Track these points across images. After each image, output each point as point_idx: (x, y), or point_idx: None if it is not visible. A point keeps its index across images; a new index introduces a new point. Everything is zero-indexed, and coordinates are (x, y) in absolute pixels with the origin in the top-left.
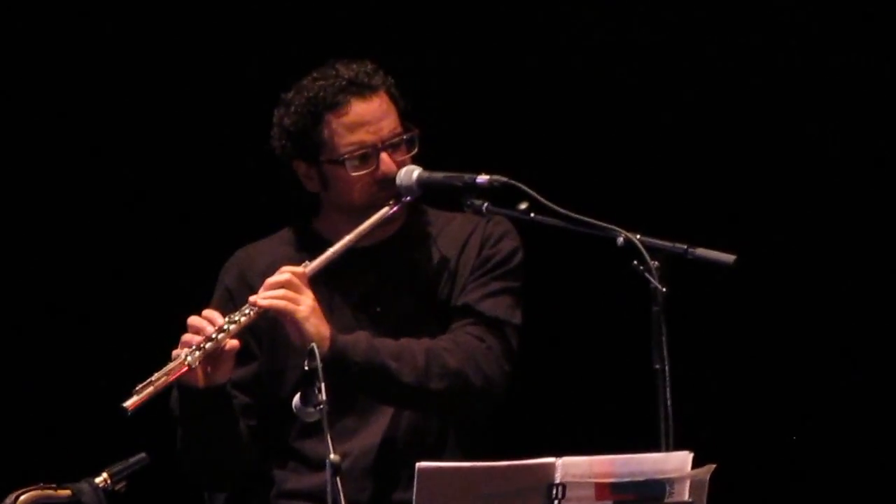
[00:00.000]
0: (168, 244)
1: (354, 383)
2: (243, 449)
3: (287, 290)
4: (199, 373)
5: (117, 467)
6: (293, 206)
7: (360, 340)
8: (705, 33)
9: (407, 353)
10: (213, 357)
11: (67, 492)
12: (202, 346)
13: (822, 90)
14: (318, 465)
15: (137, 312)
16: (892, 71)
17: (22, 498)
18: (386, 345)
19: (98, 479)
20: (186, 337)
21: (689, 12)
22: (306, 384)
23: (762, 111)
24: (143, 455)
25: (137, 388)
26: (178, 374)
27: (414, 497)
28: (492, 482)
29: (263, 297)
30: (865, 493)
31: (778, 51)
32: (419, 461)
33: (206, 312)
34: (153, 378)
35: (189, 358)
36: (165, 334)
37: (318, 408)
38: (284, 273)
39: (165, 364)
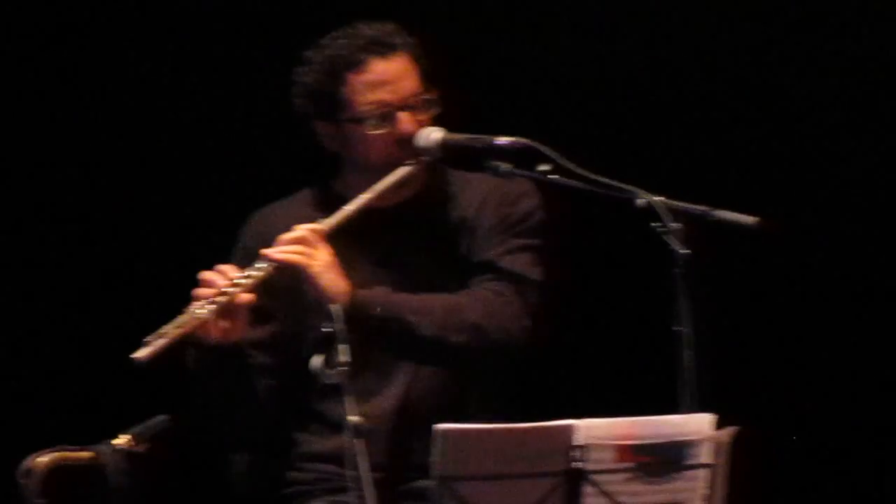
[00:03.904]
0: (189, 206)
1: (373, 337)
2: (261, 408)
3: (301, 246)
4: (213, 328)
5: (139, 429)
6: (312, 168)
7: (379, 295)
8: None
9: (426, 306)
10: (227, 311)
11: (88, 454)
12: (214, 299)
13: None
14: (339, 426)
15: (160, 273)
16: None
17: (41, 459)
18: (405, 298)
19: (119, 441)
20: (198, 291)
21: None
22: (326, 346)
23: (784, 74)
24: (164, 417)
25: (147, 339)
26: (191, 326)
27: (432, 458)
28: (511, 444)
29: (277, 252)
30: (887, 454)
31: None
32: (440, 423)
33: (219, 267)
34: (163, 330)
35: (201, 311)
36: (185, 294)
37: (337, 369)
38: (298, 229)
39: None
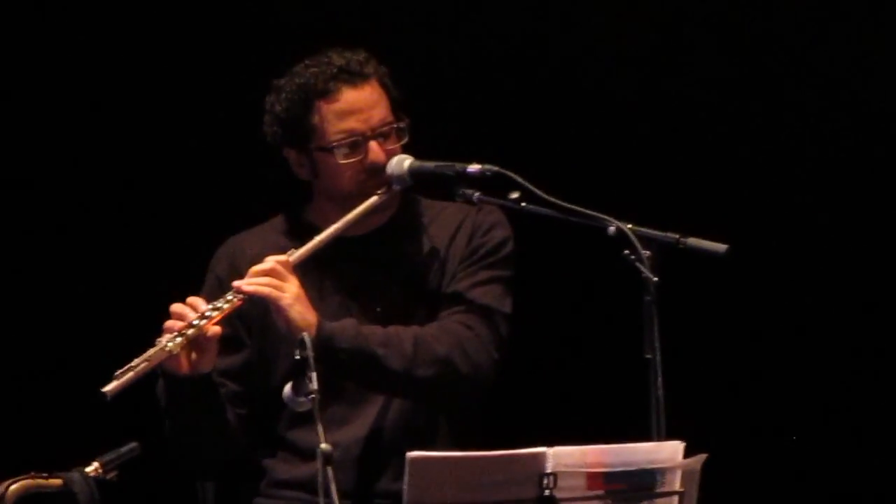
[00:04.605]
0: (160, 233)
1: (341, 370)
2: (231, 437)
3: (271, 278)
4: (183, 360)
5: (108, 456)
6: (285, 194)
7: (347, 327)
8: (695, 30)
9: (394, 339)
10: (196, 343)
11: (58, 481)
12: (184, 332)
13: (812, 84)
14: (308, 454)
15: (129, 301)
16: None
17: (12, 487)
18: (373, 332)
19: (89, 469)
20: (169, 323)
21: (680, 8)
22: (297, 374)
23: (752, 102)
24: (134, 444)
25: (117, 374)
26: (159, 359)
27: (405, 486)
28: (483, 472)
29: (247, 284)
30: (858, 484)
31: (770, 42)
32: (410, 451)
33: (190, 299)
34: (133, 363)
35: (170, 344)
36: (157, 323)
37: (308, 397)
38: (268, 261)
39: (148, 350)
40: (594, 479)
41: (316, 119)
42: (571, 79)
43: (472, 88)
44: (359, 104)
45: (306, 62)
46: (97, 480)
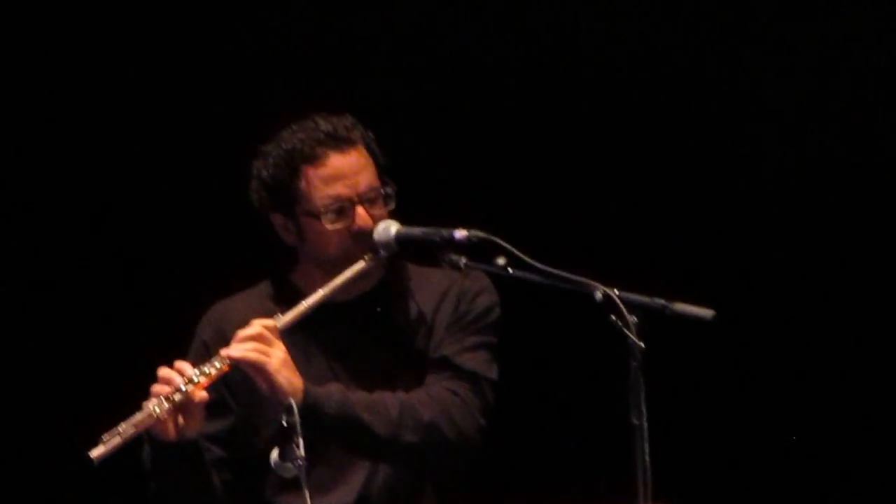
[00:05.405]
0: (146, 297)
1: (327, 435)
2: (217, 502)
3: (257, 343)
4: (170, 425)
5: None
6: (271, 259)
7: (333, 393)
8: (683, 84)
9: (380, 405)
10: (182, 409)
11: None
12: (171, 397)
13: (797, 148)
14: None
15: (116, 364)
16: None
17: None
18: (359, 397)
19: None
20: (156, 387)
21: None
22: (284, 439)
23: (739, 166)
24: None
25: (104, 438)
26: (146, 424)
27: None
28: None
29: (234, 350)
30: None
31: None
32: None
33: (177, 363)
34: (120, 428)
35: (157, 409)
36: (144, 386)
37: (295, 463)
38: (255, 326)
39: (135, 415)
40: None
41: (303, 184)
42: (558, 146)
43: (458, 154)
44: (345, 169)
45: (293, 127)
46: None
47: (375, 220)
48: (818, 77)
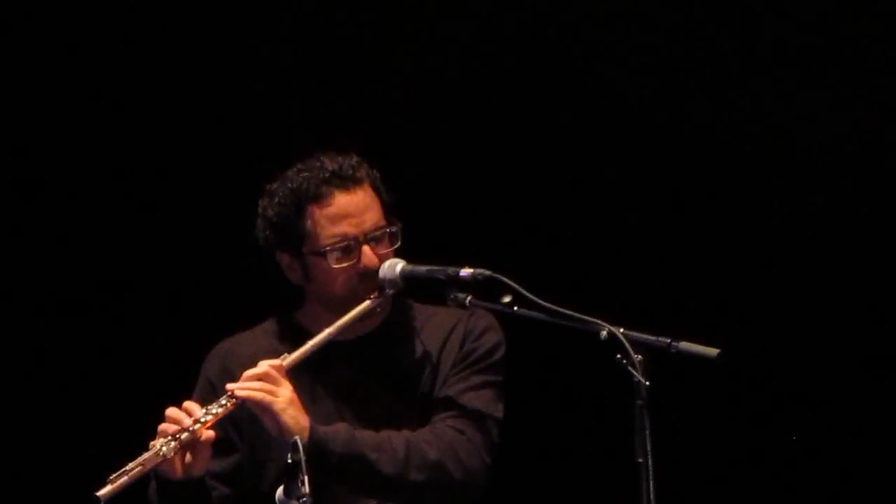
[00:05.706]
0: (153, 334)
1: (334, 474)
2: None
3: (264, 382)
4: (177, 464)
5: None
6: (278, 298)
7: (340, 431)
8: (691, 125)
9: (387, 444)
10: (189, 447)
11: None
12: (178, 436)
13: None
14: None
15: (122, 404)
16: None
17: None
18: (365, 436)
19: None
20: (163, 427)
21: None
22: (290, 477)
23: (745, 207)
24: None
25: (111, 478)
26: (153, 463)
27: None
28: None
29: (241, 388)
30: None
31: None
32: None
33: (186, 404)
34: (128, 468)
35: (164, 448)
36: (151, 425)
37: (300, 501)
38: (262, 366)
39: (143, 454)
40: None
41: (308, 223)
42: (564, 185)
43: (464, 192)
44: (351, 208)
45: (298, 166)
46: None
47: (381, 259)
48: (828, 116)
